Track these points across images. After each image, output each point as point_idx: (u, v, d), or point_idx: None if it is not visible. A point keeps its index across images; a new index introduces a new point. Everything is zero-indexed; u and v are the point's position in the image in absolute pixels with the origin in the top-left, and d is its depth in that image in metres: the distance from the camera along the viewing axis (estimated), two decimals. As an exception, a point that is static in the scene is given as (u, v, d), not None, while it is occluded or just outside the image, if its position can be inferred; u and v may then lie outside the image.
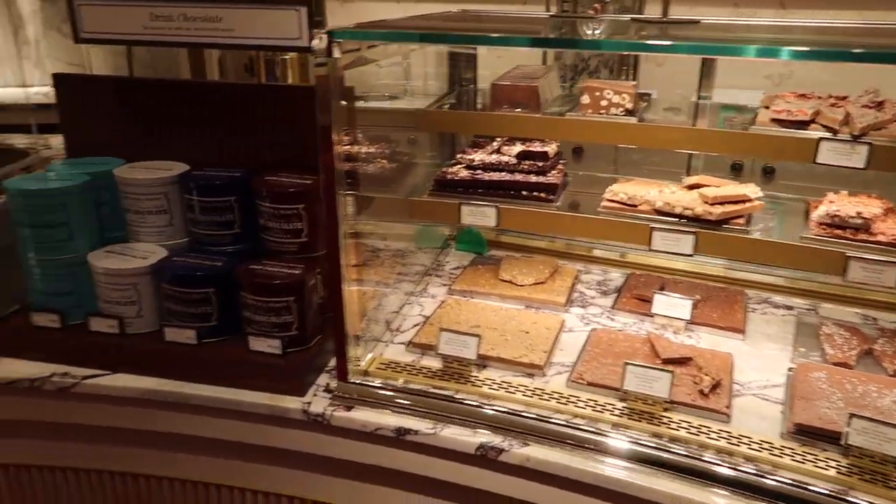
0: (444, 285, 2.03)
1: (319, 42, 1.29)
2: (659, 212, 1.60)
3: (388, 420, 1.47)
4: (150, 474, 1.69)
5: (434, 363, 1.62)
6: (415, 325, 1.80)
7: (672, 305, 1.79)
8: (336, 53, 1.30)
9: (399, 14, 1.74)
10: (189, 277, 1.57)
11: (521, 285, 1.97)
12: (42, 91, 3.70)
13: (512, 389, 1.54)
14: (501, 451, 1.40)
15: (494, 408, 1.47)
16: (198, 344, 1.59)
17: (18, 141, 2.39)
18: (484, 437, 1.42)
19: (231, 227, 1.67)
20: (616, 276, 2.11)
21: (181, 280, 1.58)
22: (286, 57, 3.54)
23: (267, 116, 1.77)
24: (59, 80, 1.83)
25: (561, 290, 1.96)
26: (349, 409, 1.50)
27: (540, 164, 1.77)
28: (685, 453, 1.35)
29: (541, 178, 1.75)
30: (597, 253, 2.21)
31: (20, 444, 1.68)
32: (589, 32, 1.70)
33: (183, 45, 1.71)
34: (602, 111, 1.70)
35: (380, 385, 1.54)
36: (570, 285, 1.99)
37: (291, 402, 1.51)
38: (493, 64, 2.27)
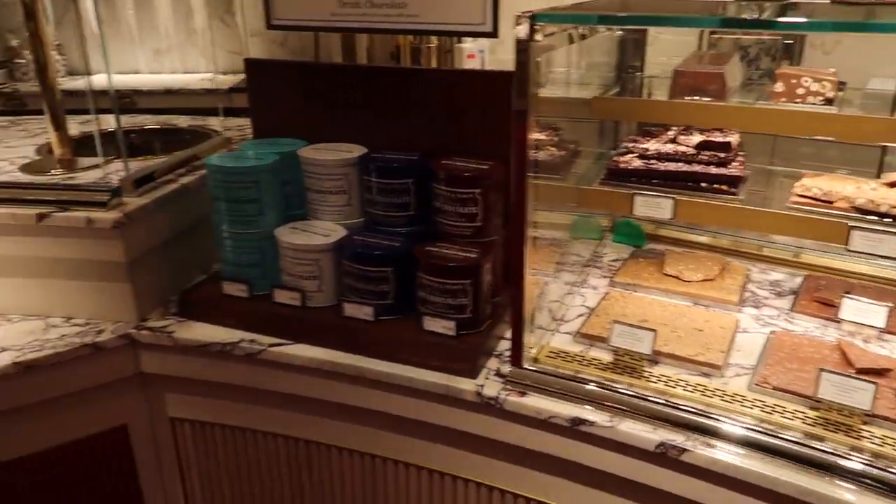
0: (605, 277, 1.99)
1: (521, 26, 1.28)
2: (858, 209, 1.49)
3: (563, 409, 1.46)
4: (321, 442, 1.77)
5: (603, 355, 1.60)
6: (579, 316, 1.78)
7: (863, 311, 1.66)
8: (538, 37, 1.30)
9: (543, 3, 1.68)
10: (369, 256, 1.63)
11: (689, 281, 1.89)
12: (207, 76, 3.97)
13: (689, 388, 1.49)
14: (684, 450, 1.35)
15: (675, 405, 1.42)
16: (374, 321, 1.64)
17: (182, 123, 2.55)
18: (664, 434, 1.38)
19: (407, 209, 1.71)
20: (785, 277, 1.99)
21: (361, 258, 1.63)
22: (431, 44, 3.59)
23: (426, 100, 1.79)
24: (250, 65, 1.93)
25: (732, 288, 1.86)
26: (522, 394, 1.50)
27: (721, 155, 1.69)
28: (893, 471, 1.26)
29: (722, 170, 1.67)
30: (766, 251, 2.09)
31: (207, 402, 1.82)
32: (745, 15, 1.59)
33: (369, 31, 1.77)
34: (798, 100, 1.60)
35: (552, 373, 1.53)
36: (741, 284, 1.89)
37: (465, 384, 1.53)
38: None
